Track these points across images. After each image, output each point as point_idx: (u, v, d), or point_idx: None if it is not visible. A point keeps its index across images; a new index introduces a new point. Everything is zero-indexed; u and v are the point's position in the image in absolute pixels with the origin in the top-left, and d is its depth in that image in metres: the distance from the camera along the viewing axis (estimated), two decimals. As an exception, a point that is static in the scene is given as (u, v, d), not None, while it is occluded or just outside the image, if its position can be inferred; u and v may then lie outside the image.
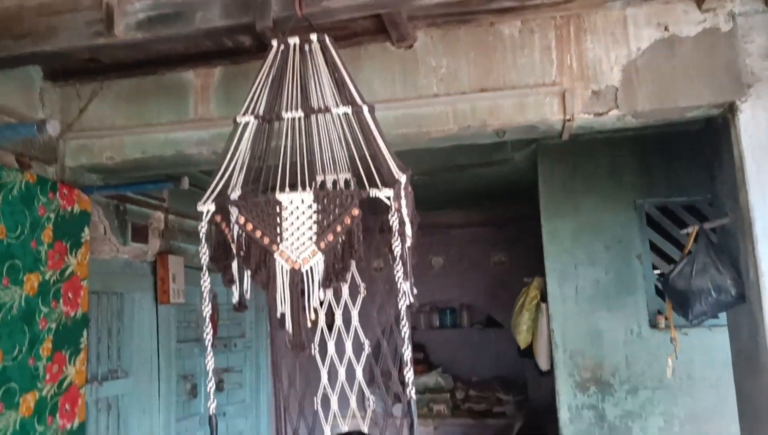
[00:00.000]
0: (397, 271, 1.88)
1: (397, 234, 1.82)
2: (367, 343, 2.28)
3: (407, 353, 1.81)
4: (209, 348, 1.99)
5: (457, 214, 6.47)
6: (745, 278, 2.68)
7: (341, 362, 2.34)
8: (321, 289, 1.91)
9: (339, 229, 1.86)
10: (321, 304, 2.31)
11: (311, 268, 1.88)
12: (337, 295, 2.39)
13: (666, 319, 3.82)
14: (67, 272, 2.95)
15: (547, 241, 4.11)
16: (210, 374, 1.92)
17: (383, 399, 2.30)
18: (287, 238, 1.88)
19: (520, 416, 6.00)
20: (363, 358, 2.28)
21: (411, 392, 1.79)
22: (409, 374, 1.81)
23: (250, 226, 1.89)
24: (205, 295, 1.98)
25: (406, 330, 1.84)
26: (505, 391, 6.39)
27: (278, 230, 1.88)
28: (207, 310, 2.03)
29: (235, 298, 2.04)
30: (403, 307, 1.87)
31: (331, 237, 1.86)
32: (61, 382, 2.87)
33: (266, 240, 1.88)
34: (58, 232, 2.90)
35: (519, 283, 4.53)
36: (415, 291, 1.99)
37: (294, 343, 2.11)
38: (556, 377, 4.03)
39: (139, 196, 3.86)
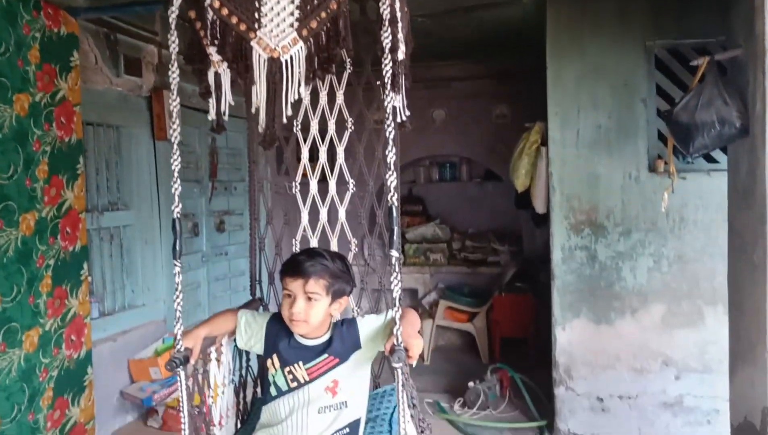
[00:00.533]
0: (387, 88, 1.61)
1: (389, 34, 1.58)
2: (351, 183, 2.25)
3: (393, 181, 1.56)
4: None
5: (459, 67, 6.29)
6: (751, 111, 2.62)
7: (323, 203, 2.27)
8: (302, 85, 1.74)
9: (324, 15, 1.68)
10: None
11: (291, 58, 1.72)
12: (323, 131, 2.31)
13: (665, 163, 3.81)
14: (58, 96, 2.89)
15: (551, 83, 4.01)
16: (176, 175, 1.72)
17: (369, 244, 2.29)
18: (266, 25, 1.71)
19: (513, 265, 6.17)
20: (347, 198, 2.24)
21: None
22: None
23: (225, 11, 1.71)
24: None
25: (392, 155, 1.58)
26: (500, 242, 6.56)
27: (256, 16, 1.70)
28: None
29: (212, 115, 1.92)
30: (391, 133, 1.59)
31: (314, 23, 1.69)
32: (64, 315, 2.90)
33: (243, 26, 1.71)
34: (45, 53, 2.81)
35: (519, 137, 4.47)
36: (408, 113, 1.84)
37: (265, 137, 1.99)
38: (551, 220, 4.09)
39: (130, 27, 3.71)
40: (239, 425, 2.14)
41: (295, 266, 1.85)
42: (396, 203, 1.58)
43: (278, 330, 1.93)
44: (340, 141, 2.29)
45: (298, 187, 2.30)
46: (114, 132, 3.72)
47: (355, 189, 2.26)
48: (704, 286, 3.87)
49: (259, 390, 2.24)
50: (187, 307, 4.41)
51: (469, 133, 6.36)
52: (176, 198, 1.72)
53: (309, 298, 1.81)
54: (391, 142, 1.57)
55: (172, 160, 1.70)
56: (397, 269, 1.58)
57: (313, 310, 1.82)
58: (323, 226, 2.29)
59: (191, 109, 4.27)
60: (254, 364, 2.23)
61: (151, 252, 3.89)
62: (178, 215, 1.72)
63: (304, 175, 2.29)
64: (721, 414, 3.90)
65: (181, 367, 1.73)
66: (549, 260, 4.22)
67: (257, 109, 1.83)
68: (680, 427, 3.94)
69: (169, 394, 3.45)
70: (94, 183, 3.53)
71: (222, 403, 2.01)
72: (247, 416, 2.18)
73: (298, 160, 2.29)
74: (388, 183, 1.56)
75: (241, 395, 2.18)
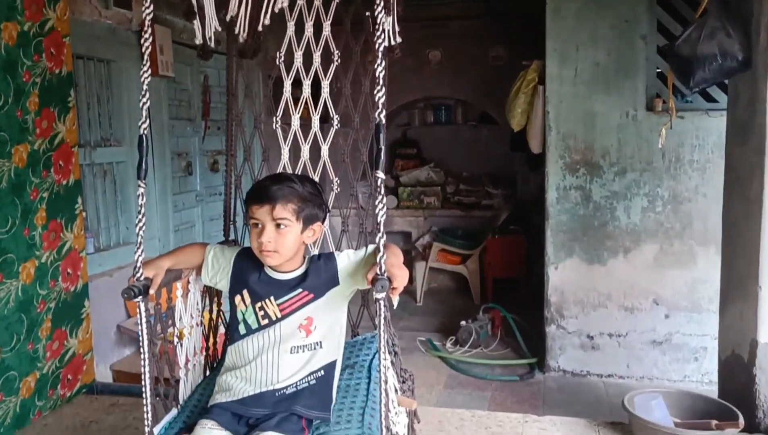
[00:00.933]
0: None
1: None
2: (336, 118, 2.11)
3: (381, 97, 1.41)
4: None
5: (457, 6, 6.15)
6: (754, 43, 2.59)
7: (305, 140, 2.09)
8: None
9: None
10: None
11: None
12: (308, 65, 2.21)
13: (664, 102, 3.79)
14: (47, 26, 2.81)
15: (550, 20, 3.94)
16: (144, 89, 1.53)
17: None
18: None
19: (506, 208, 6.19)
20: (330, 135, 2.10)
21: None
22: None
23: None
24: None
25: (381, 69, 1.43)
26: (494, 186, 6.56)
27: None
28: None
29: (198, 38, 1.83)
30: (382, 52, 1.45)
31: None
32: (60, 248, 2.88)
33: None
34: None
35: (516, 79, 4.40)
36: (399, 39, 1.74)
37: (243, 47, 1.91)
38: (546, 159, 4.08)
39: (118, -44, 3.59)
40: (208, 372, 2.02)
41: (261, 191, 1.67)
42: (383, 121, 1.44)
43: (248, 264, 1.76)
44: (325, 75, 2.13)
45: (279, 121, 2.14)
46: (104, 66, 3.64)
47: (339, 126, 2.12)
48: (697, 227, 3.90)
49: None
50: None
51: (465, 75, 6.27)
52: (143, 112, 1.54)
53: (278, 226, 1.64)
54: (380, 56, 1.44)
55: (141, 73, 1.57)
56: (381, 192, 1.44)
57: (283, 239, 1.64)
58: (304, 164, 2.14)
59: (183, 46, 4.19)
60: (227, 307, 1.99)
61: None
62: (145, 131, 1.54)
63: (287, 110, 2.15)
64: (708, 351, 3.98)
65: (140, 296, 1.61)
66: (542, 203, 4.23)
67: (235, 18, 1.70)
68: (668, 364, 4.03)
69: (167, 327, 3.48)
70: (86, 118, 3.47)
71: (188, 344, 1.90)
72: (217, 363, 2.05)
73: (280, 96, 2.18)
74: (376, 99, 1.43)
75: (211, 339, 2.07)
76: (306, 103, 2.15)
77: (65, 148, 2.94)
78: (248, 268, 1.75)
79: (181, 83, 4.36)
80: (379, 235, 1.43)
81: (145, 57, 1.56)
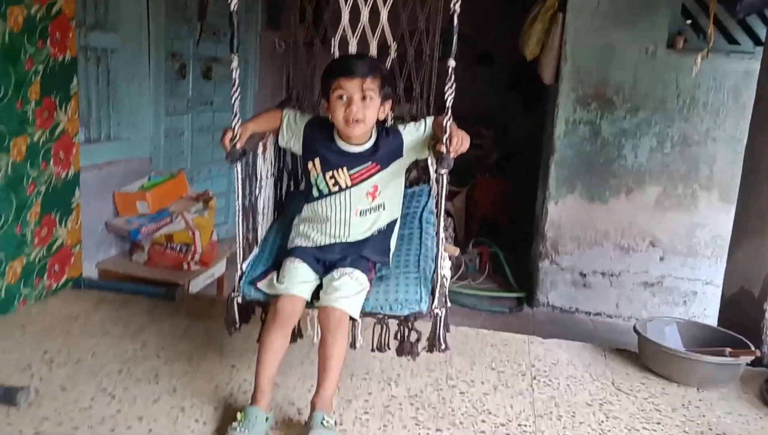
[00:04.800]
0: None
1: None
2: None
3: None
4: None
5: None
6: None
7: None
8: None
9: None
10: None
11: None
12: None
13: (685, 41, 3.70)
14: (54, 9, 2.57)
15: (577, -56, 3.78)
16: None
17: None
18: None
19: (496, 150, 6.12)
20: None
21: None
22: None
23: None
24: None
25: None
26: (486, 126, 6.45)
27: None
28: None
29: None
30: None
31: None
32: (53, 128, 2.69)
33: None
34: None
35: (521, 17, 4.23)
36: None
37: None
38: (558, 91, 3.97)
39: None
40: (275, 215, 2.31)
41: (351, 65, 1.87)
42: (458, 10, 1.61)
43: (318, 134, 1.97)
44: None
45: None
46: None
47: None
48: (703, 171, 3.87)
49: (292, 184, 2.42)
50: (171, 153, 4.22)
51: (464, 8, 6.05)
52: None
53: (364, 98, 1.83)
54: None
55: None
56: (452, 79, 1.63)
57: (368, 110, 1.84)
58: (363, 28, 2.25)
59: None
60: (289, 159, 2.37)
61: (137, 86, 3.63)
62: (235, 7, 1.71)
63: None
64: (697, 296, 4.02)
65: (238, 160, 1.85)
66: (537, 144, 4.13)
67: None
68: (657, 306, 4.06)
69: (156, 229, 3.31)
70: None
71: (264, 195, 2.14)
72: (282, 207, 2.35)
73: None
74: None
75: (278, 187, 2.34)
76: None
77: (63, 20, 2.70)
78: (319, 139, 1.96)
79: (179, -22, 4.09)
80: (447, 117, 1.67)
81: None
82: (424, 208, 2.28)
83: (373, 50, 2.25)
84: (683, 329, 2.63)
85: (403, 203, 2.15)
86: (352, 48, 2.26)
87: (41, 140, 2.65)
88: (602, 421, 2.09)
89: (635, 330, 2.54)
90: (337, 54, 2.25)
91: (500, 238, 5.44)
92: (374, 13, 2.23)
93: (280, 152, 2.28)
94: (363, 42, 2.26)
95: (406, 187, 2.18)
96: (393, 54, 2.26)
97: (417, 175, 2.41)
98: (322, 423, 1.75)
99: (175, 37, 4.16)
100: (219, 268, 3.63)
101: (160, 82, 3.93)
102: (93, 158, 3.24)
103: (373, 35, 2.24)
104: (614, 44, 3.83)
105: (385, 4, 2.22)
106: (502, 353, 2.55)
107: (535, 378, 2.36)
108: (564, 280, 4.17)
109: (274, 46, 5.42)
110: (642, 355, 2.52)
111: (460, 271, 4.67)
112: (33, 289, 2.71)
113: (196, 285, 3.37)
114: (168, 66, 4.08)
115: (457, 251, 2.34)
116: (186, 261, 3.37)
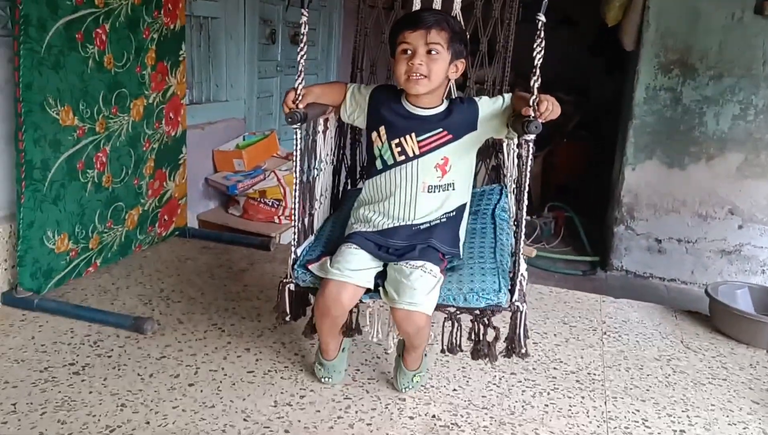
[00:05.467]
0: None
1: None
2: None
3: None
4: None
5: None
6: None
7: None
8: None
9: None
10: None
11: None
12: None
13: (775, 4, 3.62)
14: None
15: None
16: None
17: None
18: None
19: (577, 113, 6.10)
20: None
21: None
22: None
23: None
24: None
25: None
26: (566, 91, 6.42)
27: None
28: None
29: None
30: None
31: None
32: (165, 91, 2.97)
33: None
34: None
35: None
36: None
37: None
38: (640, 57, 3.98)
39: None
40: (331, 210, 2.17)
41: (415, 16, 1.74)
42: None
43: (385, 99, 1.81)
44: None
45: None
46: None
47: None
48: (788, 139, 3.82)
49: (349, 182, 2.31)
50: (261, 113, 4.49)
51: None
52: None
53: (429, 51, 1.67)
54: None
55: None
56: (541, 36, 1.55)
57: (434, 64, 1.67)
58: None
59: None
60: (348, 154, 2.26)
61: (235, 49, 3.89)
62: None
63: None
64: (776, 265, 3.99)
65: (299, 124, 1.69)
66: (619, 107, 4.13)
67: None
68: (733, 274, 4.06)
69: (251, 185, 3.59)
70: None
71: (322, 180, 2.00)
72: (339, 204, 2.22)
73: None
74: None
75: (335, 183, 2.20)
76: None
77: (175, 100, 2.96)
78: (386, 103, 1.79)
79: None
80: (534, 78, 1.53)
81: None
82: (496, 206, 2.13)
83: (457, 9, 2.13)
84: (756, 294, 2.70)
85: (473, 201, 2.00)
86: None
87: (155, 102, 2.93)
88: (669, 374, 2.21)
89: (706, 292, 2.63)
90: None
91: (577, 202, 5.51)
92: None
93: (339, 143, 2.18)
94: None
95: (474, 186, 1.97)
96: (478, 13, 2.16)
97: (488, 176, 2.28)
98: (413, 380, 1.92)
99: (267, 1, 4.38)
100: (306, 223, 3.89)
101: (254, 47, 4.18)
102: (196, 118, 3.53)
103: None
104: (700, 9, 3.79)
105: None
106: (575, 310, 2.70)
107: (605, 333, 2.49)
108: (639, 246, 4.23)
109: (357, 8, 5.61)
110: (713, 317, 2.61)
111: (535, 234, 4.78)
112: (147, 235, 3.04)
113: (286, 237, 3.64)
114: (260, 31, 4.32)
115: (534, 252, 2.31)
116: (277, 215, 3.64)
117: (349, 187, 2.31)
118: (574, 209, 5.10)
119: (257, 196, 3.64)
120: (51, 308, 2.31)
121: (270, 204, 3.63)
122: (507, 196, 2.19)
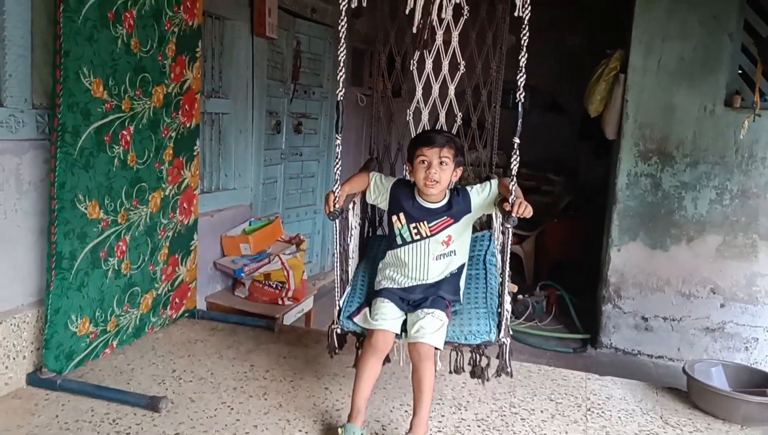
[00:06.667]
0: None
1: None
2: (462, 64, 2.73)
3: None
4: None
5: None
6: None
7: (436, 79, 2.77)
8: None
9: None
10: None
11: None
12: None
13: (742, 99, 3.94)
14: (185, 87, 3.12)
15: (639, 12, 4.11)
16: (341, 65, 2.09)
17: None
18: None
19: (568, 194, 6.38)
20: (457, 77, 2.75)
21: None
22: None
23: None
24: None
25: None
26: (556, 172, 6.74)
27: None
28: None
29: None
30: None
31: None
32: (180, 183, 3.28)
33: None
34: None
35: (590, 69, 4.56)
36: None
37: (421, 39, 2.62)
38: (620, 146, 4.27)
39: None
40: (359, 259, 2.70)
41: (432, 137, 2.32)
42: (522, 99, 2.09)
43: (402, 193, 2.39)
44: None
45: (415, 64, 2.76)
46: (220, 23, 3.95)
47: (464, 69, 2.75)
48: (762, 222, 4.06)
49: (371, 230, 2.86)
50: (266, 199, 4.75)
51: (538, 61, 6.38)
52: (340, 83, 2.15)
53: (441, 163, 2.24)
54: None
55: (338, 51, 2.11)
56: (517, 153, 2.07)
57: (443, 173, 2.25)
58: (434, 101, 2.77)
59: (281, 11, 4.47)
60: (369, 211, 2.81)
61: (243, 141, 4.19)
62: (341, 97, 2.15)
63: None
64: (759, 343, 4.17)
65: (339, 217, 2.22)
66: (606, 189, 4.41)
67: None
68: (718, 351, 4.22)
69: (257, 269, 3.81)
70: (202, 68, 3.78)
71: (354, 242, 2.52)
72: (365, 249, 2.76)
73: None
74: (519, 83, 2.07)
75: (361, 234, 2.74)
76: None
77: (191, 94, 3.26)
78: (403, 197, 2.38)
79: (278, 46, 4.66)
80: (512, 182, 2.12)
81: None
82: (486, 251, 2.69)
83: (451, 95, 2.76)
84: (729, 371, 2.87)
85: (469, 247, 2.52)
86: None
87: (171, 193, 3.19)
88: (648, 450, 2.36)
89: (684, 370, 2.80)
90: (412, 119, 2.81)
91: (569, 279, 5.70)
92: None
93: (363, 205, 2.70)
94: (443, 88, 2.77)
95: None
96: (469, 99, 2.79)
97: (480, 223, 2.78)
98: None
99: (273, 96, 4.72)
100: (308, 304, 4.10)
101: (261, 138, 4.49)
102: (206, 207, 3.79)
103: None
104: (675, 103, 4.11)
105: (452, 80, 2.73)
106: (561, 387, 2.86)
107: (589, 410, 2.65)
108: (626, 324, 4.40)
109: (356, 100, 5.99)
110: (690, 394, 2.77)
111: (528, 312, 4.96)
112: (159, 317, 3.23)
113: (289, 318, 3.83)
114: (266, 123, 4.64)
115: (515, 288, 2.77)
116: (281, 297, 3.84)
117: (370, 235, 2.86)
118: (567, 286, 5.30)
119: (262, 278, 3.85)
120: (73, 388, 2.49)
121: (274, 286, 3.83)
122: (495, 242, 2.72)
